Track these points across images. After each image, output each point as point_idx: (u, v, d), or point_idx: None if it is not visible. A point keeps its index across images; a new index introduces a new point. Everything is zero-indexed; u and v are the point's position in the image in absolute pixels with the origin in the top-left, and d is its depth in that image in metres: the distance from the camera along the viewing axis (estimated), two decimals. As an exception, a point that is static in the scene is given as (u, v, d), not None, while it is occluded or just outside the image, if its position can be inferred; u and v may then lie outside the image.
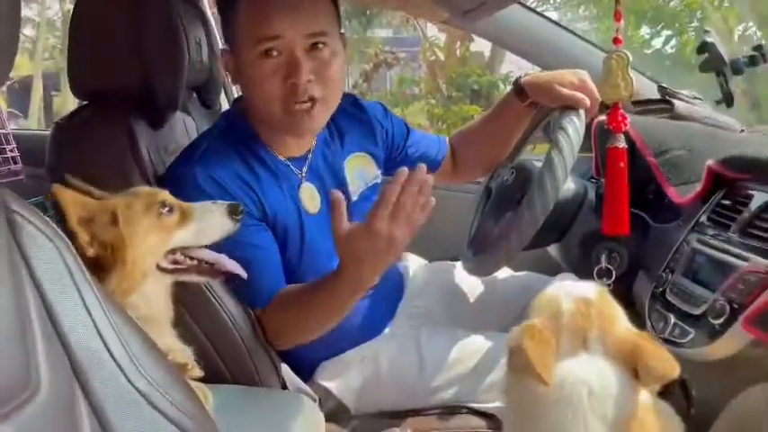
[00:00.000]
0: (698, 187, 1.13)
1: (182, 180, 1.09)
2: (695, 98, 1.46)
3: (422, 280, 1.48)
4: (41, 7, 9.20)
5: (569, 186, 1.30)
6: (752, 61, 1.30)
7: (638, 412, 0.81)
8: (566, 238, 1.35)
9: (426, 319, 1.36)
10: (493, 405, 1.16)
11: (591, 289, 0.89)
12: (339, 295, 1.06)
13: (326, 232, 1.23)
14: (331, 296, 1.07)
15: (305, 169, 1.21)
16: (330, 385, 1.24)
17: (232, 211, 0.91)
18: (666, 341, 0.97)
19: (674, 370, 0.80)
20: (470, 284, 1.49)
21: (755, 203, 0.97)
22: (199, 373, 0.93)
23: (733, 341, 0.87)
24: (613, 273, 1.23)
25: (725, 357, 0.88)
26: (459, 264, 1.51)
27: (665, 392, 0.96)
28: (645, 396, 0.83)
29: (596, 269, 1.24)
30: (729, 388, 0.89)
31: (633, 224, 1.30)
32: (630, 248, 1.27)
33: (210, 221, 0.90)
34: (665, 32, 5.39)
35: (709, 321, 0.91)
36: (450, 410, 1.19)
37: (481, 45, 8.66)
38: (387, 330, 1.32)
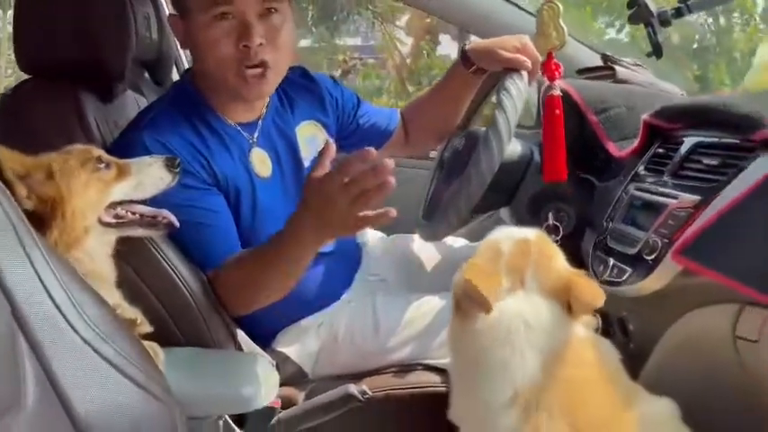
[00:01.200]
0: (636, 141, 1.18)
1: (130, 145, 1.09)
2: (636, 65, 1.51)
3: (380, 251, 1.50)
4: (2, 23, 9.04)
5: (515, 149, 1.34)
6: (678, 13, 1.35)
7: (573, 343, 0.84)
8: (515, 200, 1.38)
9: (382, 287, 1.37)
10: (446, 360, 1.18)
11: (530, 232, 0.92)
12: (294, 247, 1.04)
13: (279, 196, 1.25)
14: (287, 249, 1.05)
15: (256, 134, 1.22)
16: (288, 351, 1.25)
17: (169, 164, 0.93)
18: (606, 282, 1.01)
19: (600, 298, 0.83)
20: (428, 254, 1.51)
21: (685, 147, 1.02)
22: (148, 328, 0.94)
23: (664, 273, 0.90)
24: (561, 230, 1.26)
25: (658, 290, 0.91)
26: (417, 236, 1.53)
27: (606, 332, 1.00)
28: (579, 329, 0.85)
29: (544, 226, 1.27)
30: (664, 319, 0.92)
31: (580, 186, 1.34)
32: (577, 208, 1.31)
33: (149, 174, 0.92)
34: (618, 22, 5.56)
35: (643, 258, 0.94)
36: (405, 368, 1.20)
37: (447, 48, 8.78)
38: (343, 297, 1.34)
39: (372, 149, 0.92)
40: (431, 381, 1.17)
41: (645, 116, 1.14)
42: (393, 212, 0.91)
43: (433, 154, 1.87)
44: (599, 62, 1.55)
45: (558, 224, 1.28)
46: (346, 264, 1.39)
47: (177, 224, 0.95)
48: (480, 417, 0.83)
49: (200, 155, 1.14)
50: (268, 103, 1.26)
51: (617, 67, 1.45)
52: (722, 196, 0.86)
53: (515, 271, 0.87)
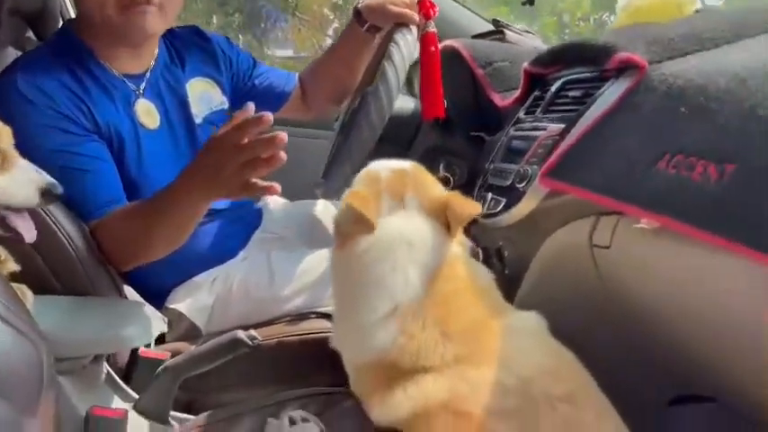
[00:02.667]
0: (518, 91, 1.23)
1: (2, 89, 1.05)
2: (526, 32, 1.57)
3: (281, 213, 1.49)
4: None
5: (408, 104, 1.37)
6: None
7: (450, 260, 0.86)
8: (408, 154, 1.42)
9: (280, 244, 1.37)
10: (339, 307, 1.19)
11: (406, 162, 0.95)
12: (181, 202, 1.03)
13: (168, 149, 1.24)
14: (173, 203, 1.04)
15: (143, 86, 1.20)
16: (180, 306, 1.23)
17: (47, 191, 0.86)
18: (485, 216, 1.04)
19: (475, 208, 0.86)
20: (329, 217, 1.52)
21: (554, 86, 1.07)
22: (14, 267, 0.90)
23: (532, 198, 0.94)
24: (451, 181, 1.30)
25: (528, 215, 0.96)
26: (319, 201, 1.54)
27: (486, 262, 1.03)
28: (455, 248, 0.88)
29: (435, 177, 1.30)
30: (534, 242, 0.96)
31: (472, 143, 1.39)
32: (468, 162, 1.35)
33: (22, 184, 0.85)
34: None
35: (515, 188, 0.98)
36: (299, 317, 1.20)
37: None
38: (240, 255, 1.33)
39: (269, 114, 0.93)
40: (323, 327, 1.17)
41: (525, 65, 1.19)
42: (277, 189, 0.94)
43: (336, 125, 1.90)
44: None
45: (448, 175, 1.31)
46: (243, 224, 1.38)
47: (21, 232, 0.88)
48: (360, 334, 0.84)
49: (80, 101, 1.11)
50: (156, 56, 1.24)
51: (506, 31, 1.51)
52: (582, 121, 0.90)
53: (395, 193, 0.89)
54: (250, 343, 1.06)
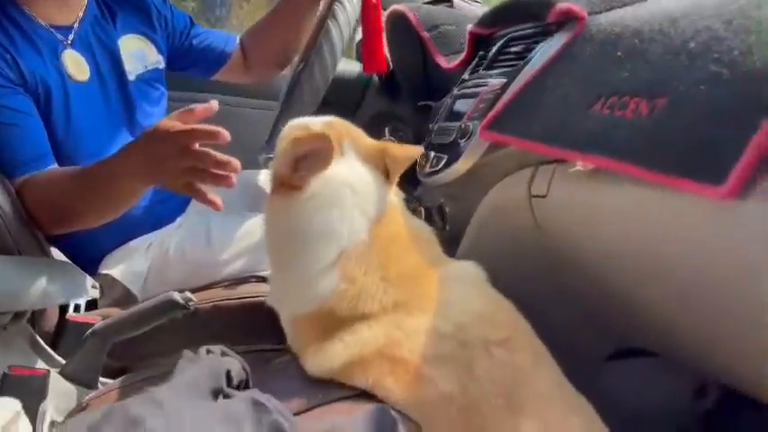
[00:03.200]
0: (463, 54, 1.22)
1: None
2: (474, 1, 1.57)
3: (223, 181, 1.45)
4: None
5: (353, 68, 1.35)
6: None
7: (390, 207, 0.85)
8: (355, 119, 1.39)
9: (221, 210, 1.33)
10: (280, 271, 1.16)
11: (331, 117, 0.93)
12: (118, 181, 1.00)
13: (98, 104, 1.18)
14: (109, 180, 1.00)
15: (71, 37, 1.15)
16: (113, 272, 1.18)
17: None
18: (428, 175, 1.03)
19: (416, 151, 0.85)
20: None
21: (497, 43, 1.06)
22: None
23: (474, 152, 0.94)
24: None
25: (469, 170, 0.95)
26: (262, 171, 1.50)
27: (428, 221, 1.02)
28: (393, 197, 0.86)
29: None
30: (474, 197, 0.95)
31: (419, 111, 1.38)
32: (415, 127, 1.34)
33: None
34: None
35: (457, 143, 0.97)
36: (238, 281, 1.17)
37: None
38: (177, 221, 1.28)
39: (215, 102, 0.94)
40: (264, 290, 1.14)
41: (469, 27, 1.18)
42: (220, 205, 0.98)
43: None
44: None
45: (394, 140, 1.30)
46: (167, 193, 1.33)
47: None
48: (301, 286, 0.81)
49: (6, 51, 1.05)
50: (85, 8, 1.18)
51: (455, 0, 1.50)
52: (523, 73, 0.90)
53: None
54: (186, 305, 1.02)
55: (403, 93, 1.35)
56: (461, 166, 0.95)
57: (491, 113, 0.91)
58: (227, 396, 0.60)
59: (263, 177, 1.50)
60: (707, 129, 0.55)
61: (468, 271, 0.83)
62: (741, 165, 0.50)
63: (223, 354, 0.70)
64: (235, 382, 0.65)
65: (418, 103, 1.37)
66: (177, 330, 1.06)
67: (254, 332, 1.12)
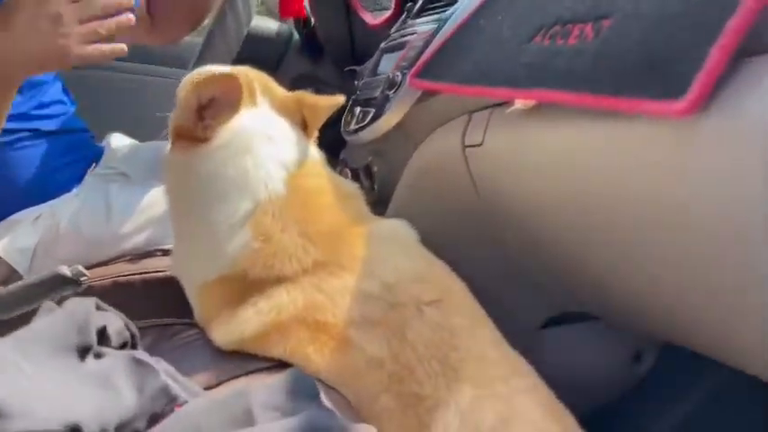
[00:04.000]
0: (390, 11, 1.14)
1: None
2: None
3: (126, 150, 1.31)
4: None
5: (271, 25, 1.24)
6: None
7: (310, 160, 0.76)
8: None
9: (121, 180, 1.20)
10: (190, 243, 1.04)
11: (243, 67, 0.83)
12: None
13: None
14: None
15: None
16: (-6, 248, 1.03)
17: None
18: (354, 132, 0.95)
19: (336, 100, 0.77)
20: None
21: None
22: None
23: (403, 103, 0.86)
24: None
25: (398, 124, 0.87)
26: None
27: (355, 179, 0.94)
28: (314, 150, 0.78)
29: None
30: (404, 153, 0.88)
31: (345, 75, 1.29)
32: (338, 90, 1.25)
33: None
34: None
35: (385, 96, 0.89)
36: (142, 255, 1.04)
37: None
38: (72, 191, 1.14)
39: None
40: (170, 265, 1.02)
41: (395, -20, 1.11)
42: (124, 49, 0.82)
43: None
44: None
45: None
46: (78, 155, 1.19)
47: None
48: (210, 246, 0.71)
49: None
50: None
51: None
52: (454, 17, 0.83)
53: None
54: (75, 279, 0.89)
55: (326, 53, 1.25)
56: (390, 118, 0.87)
57: (420, 60, 0.83)
58: (99, 356, 0.49)
59: (175, 149, 1.37)
60: (659, 41, 0.49)
61: (397, 230, 0.75)
62: (704, 73, 0.44)
63: (98, 308, 0.58)
64: (114, 342, 0.54)
65: (345, 69, 1.28)
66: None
67: (160, 310, 1.00)
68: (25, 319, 0.86)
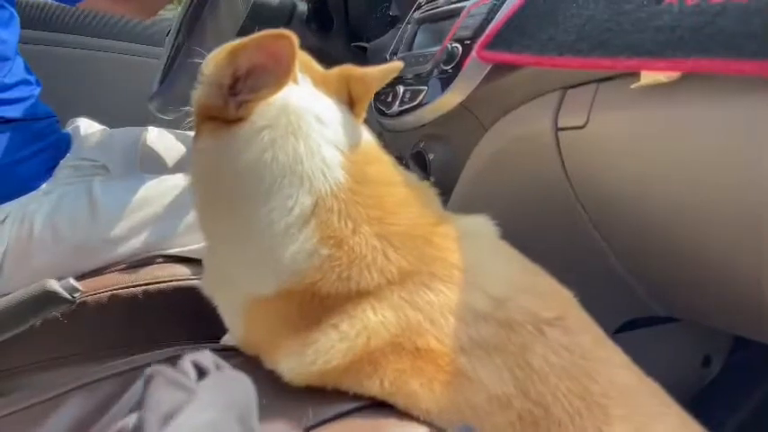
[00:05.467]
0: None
1: None
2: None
3: (99, 139, 1.13)
4: None
5: (272, -6, 1.09)
6: None
7: (367, 144, 0.62)
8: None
9: (101, 173, 1.02)
10: (198, 246, 0.89)
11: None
12: None
13: None
14: None
15: None
16: (-49, 258, 0.84)
17: None
18: (398, 114, 0.81)
19: (394, 66, 0.65)
20: (166, 146, 1.19)
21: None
22: None
23: (469, 79, 0.73)
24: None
25: (461, 104, 0.74)
26: (150, 128, 1.21)
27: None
28: (367, 133, 0.64)
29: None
30: (469, 138, 0.75)
31: (353, 53, 1.15)
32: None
33: None
34: None
35: (441, 69, 0.76)
36: (140, 262, 0.88)
37: None
38: (42, 187, 0.96)
39: None
40: (176, 273, 0.86)
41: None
42: None
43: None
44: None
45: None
46: (45, 145, 1.01)
47: None
48: (262, 255, 0.57)
49: None
50: None
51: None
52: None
53: None
54: (69, 297, 0.73)
55: (336, 26, 1.11)
56: (451, 98, 0.74)
57: (490, 29, 0.71)
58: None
59: (153, 136, 1.19)
60: None
61: (484, 228, 0.62)
62: None
63: (217, 366, 0.42)
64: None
65: (351, 44, 1.14)
66: (55, 332, 0.76)
67: (167, 329, 0.85)
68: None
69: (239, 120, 0.60)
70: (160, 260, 0.88)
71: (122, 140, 1.14)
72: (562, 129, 0.65)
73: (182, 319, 0.84)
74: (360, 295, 0.54)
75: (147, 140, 1.17)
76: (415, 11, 0.94)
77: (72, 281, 0.73)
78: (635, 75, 0.58)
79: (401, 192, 0.60)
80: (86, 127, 1.17)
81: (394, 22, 1.11)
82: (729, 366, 0.91)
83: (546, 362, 0.51)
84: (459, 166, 0.76)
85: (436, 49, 0.79)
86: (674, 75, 0.53)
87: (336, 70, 0.66)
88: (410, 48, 0.89)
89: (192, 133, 1.32)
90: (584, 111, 0.62)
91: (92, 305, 0.79)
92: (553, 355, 0.52)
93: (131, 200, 0.90)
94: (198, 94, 0.63)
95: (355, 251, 0.55)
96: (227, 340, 0.77)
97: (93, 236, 0.88)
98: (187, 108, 1.05)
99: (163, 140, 1.19)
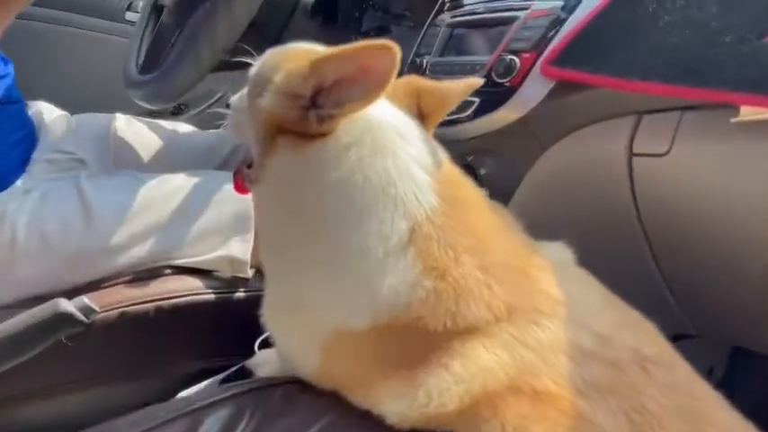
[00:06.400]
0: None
1: None
2: None
3: (64, 128, 1.00)
4: None
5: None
6: None
7: (448, 164, 0.58)
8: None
9: (82, 167, 0.91)
10: (211, 256, 0.81)
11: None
12: None
13: None
14: None
15: None
16: None
17: None
18: (444, 125, 0.77)
19: (473, 83, 0.62)
20: (142, 138, 1.08)
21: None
22: None
23: (530, 95, 0.70)
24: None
25: (518, 119, 0.71)
26: (119, 115, 1.10)
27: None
28: (443, 152, 0.60)
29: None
30: (526, 155, 0.73)
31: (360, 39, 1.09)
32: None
33: None
34: None
35: (494, 82, 0.73)
36: (147, 274, 0.78)
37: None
38: (17, 185, 0.84)
39: None
40: (188, 287, 0.78)
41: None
42: None
43: (130, 16, 1.41)
44: None
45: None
46: (24, 138, 0.88)
47: None
48: (349, 286, 0.52)
49: None
50: None
51: None
52: (593, -5, 0.68)
53: None
54: (84, 319, 0.64)
55: (341, 19, 1.04)
56: (508, 114, 0.71)
57: (558, 43, 0.69)
58: None
59: (121, 125, 1.09)
60: None
61: (566, 256, 0.60)
62: None
63: None
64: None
65: (361, 30, 1.08)
66: (57, 356, 0.67)
67: (181, 348, 0.77)
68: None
69: (321, 135, 0.54)
70: (168, 271, 0.79)
71: (92, 130, 1.03)
72: (638, 155, 0.64)
73: (196, 337, 0.77)
74: (467, 332, 0.51)
75: (118, 131, 1.06)
76: (439, 13, 0.90)
77: (86, 300, 0.63)
78: (725, 107, 0.58)
79: (489, 217, 0.57)
80: (47, 113, 1.04)
81: (400, 18, 1.06)
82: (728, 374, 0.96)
83: (659, 405, 0.50)
84: (513, 182, 0.74)
85: (484, 58, 0.76)
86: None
87: (403, 81, 0.62)
88: (442, 53, 0.85)
89: (165, 123, 1.23)
90: (666, 138, 0.62)
91: (99, 324, 0.70)
92: (663, 397, 0.51)
93: (131, 202, 0.81)
94: (266, 102, 0.56)
95: (460, 284, 0.51)
96: (257, 363, 0.71)
97: (88, 243, 0.77)
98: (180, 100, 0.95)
99: (134, 131, 1.08)
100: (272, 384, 0.57)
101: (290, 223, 0.55)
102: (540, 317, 0.52)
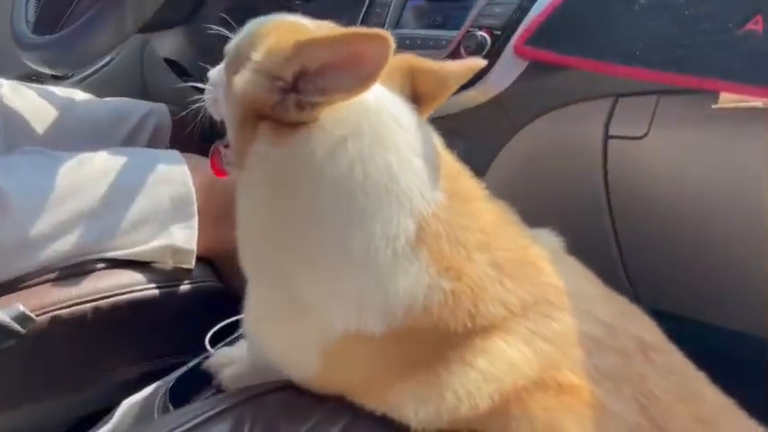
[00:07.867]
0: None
1: None
2: None
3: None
4: None
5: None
6: None
7: (445, 153, 0.55)
8: (198, 17, 0.96)
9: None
10: (149, 247, 0.71)
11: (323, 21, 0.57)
12: None
13: None
14: None
15: None
16: None
17: None
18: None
19: (474, 64, 0.57)
20: (30, 108, 0.94)
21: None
22: None
23: (504, 75, 0.68)
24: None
25: (495, 98, 0.69)
26: (1, 80, 0.95)
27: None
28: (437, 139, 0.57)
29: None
30: (499, 135, 0.71)
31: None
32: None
33: None
34: None
35: (465, 59, 0.70)
36: (76, 269, 0.68)
37: None
38: None
39: None
40: (127, 282, 0.69)
41: None
42: None
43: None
44: None
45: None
46: None
47: None
48: (356, 290, 0.47)
49: None
50: None
51: None
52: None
53: None
54: (20, 329, 0.55)
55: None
56: (480, 93, 0.69)
57: (530, 22, 0.67)
58: None
59: (7, 91, 0.94)
60: None
61: (557, 244, 0.60)
62: None
63: None
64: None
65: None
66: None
67: (123, 351, 0.68)
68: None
69: (301, 123, 0.49)
70: (101, 266, 0.69)
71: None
72: (614, 137, 0.65)
73: (139, 339, 0.68)
74: (486, 330, 0.49)
75: (4, 98, 0.91)
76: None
77: (21, 308, 0.54)
78: (703, 93, 0.60)
79: (491, 208, 0.55)
80: None
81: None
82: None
83: (662, 389, 0.51)
84: (485, 164, 0.72)
85: (450, 33, 0.73)
86: (757, 101, 0.56)
87: (397, 60, 0.56)
88: (395, 25, 0.80)
89: (56, 89, 1.08)
90: (643, 121, 0.63)
91: (27, 332, 0.60)
92: (665, 381, 0.52)
93: (50, 186, 0.69)
94: (242, 80, 0.50)
95: (477, 284, 0.49)
96: (219, 364, 0.64)
97: (3, 235, 0.65)
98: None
99: (24, 99, 0.94)
100: (266, 392, 0.51)
101: (281, 220, 0.49)
102: (551, 309, 0.51)
